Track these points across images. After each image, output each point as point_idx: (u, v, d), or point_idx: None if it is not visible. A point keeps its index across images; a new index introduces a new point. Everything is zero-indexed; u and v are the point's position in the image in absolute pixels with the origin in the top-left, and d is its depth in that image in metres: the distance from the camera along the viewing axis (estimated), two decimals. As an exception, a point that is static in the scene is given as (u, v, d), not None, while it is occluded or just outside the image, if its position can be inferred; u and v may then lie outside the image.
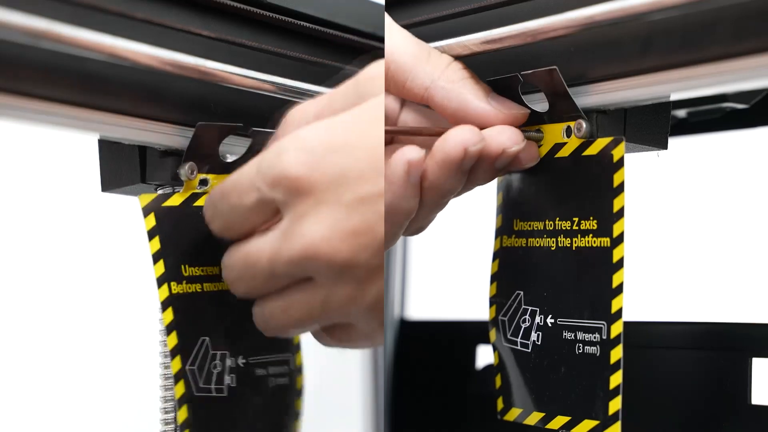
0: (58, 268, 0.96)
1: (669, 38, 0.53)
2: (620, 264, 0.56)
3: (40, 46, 0.53)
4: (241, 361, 0.62)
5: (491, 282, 0.64)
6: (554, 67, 0.57)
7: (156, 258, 0.60)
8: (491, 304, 0.64)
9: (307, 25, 0.68)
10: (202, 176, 0.63)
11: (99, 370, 0.97)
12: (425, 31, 0.63)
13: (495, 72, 0.60)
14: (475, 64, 0.61)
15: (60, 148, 0.94)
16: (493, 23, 0.60)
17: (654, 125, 0.59)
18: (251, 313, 0.60)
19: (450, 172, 0.57)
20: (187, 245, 0.62)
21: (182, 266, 0.61)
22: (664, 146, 0.60)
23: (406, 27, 0.62)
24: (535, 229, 0.61)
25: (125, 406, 0.98)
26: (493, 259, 0.64)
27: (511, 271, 0.63)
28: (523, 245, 0.62)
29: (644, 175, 0.69)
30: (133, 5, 0.59)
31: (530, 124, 0.61)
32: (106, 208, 0.91)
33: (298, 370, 0.66)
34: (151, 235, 0.61)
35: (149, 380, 0.66)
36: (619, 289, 0.56)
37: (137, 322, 0.91)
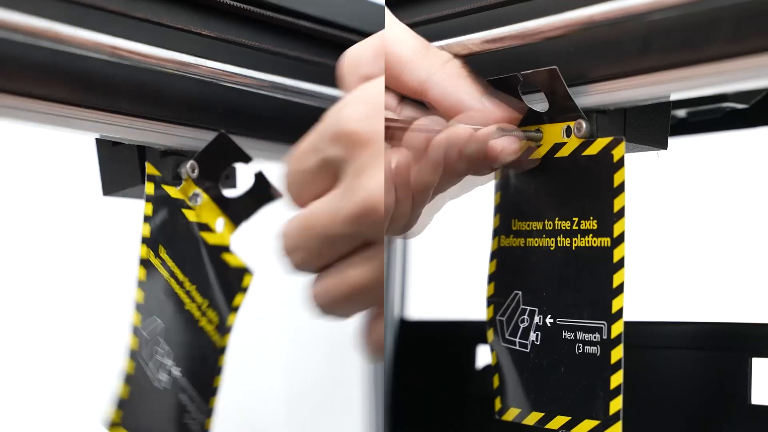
0: (58, 270, 0.96)
1: (669, 38, 0.53)
2: (621, 264, 0.56)
3: (40, 46, 0.53)
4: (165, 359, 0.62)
5: (488, 282, 0.64)
6: (554, 67, 0.57)
7: (145, 219, 0.61)
8: (489, 304, 0.64)
9: (307, 25, 0.68)
10: (197, 190, 0.63)
11: (98, 371, 0.97)
12: (425, 31, 0.63)
13: (495, 72, 0.60)
14: (475, 64, 0.61)
15: (58, 151, 0.94)
16: (493, 23, 0.60)
17: (654, 125, 0.59)
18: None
19: (443, 172, 0.57)
20: (165, 233, 0.62)
21: (160, 245, 0.61)
22: (664, 146, 0.60)
23: (407, 27, 0.62)
24: (534, 229, 0.61)
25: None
26: (491, 259, 0.64)
27: (509, 270, 0.63)
28: (522, 245, 0.62)
29: (644, 175, 0.69)
30: (133, 5, 0.59)
31: (530, 124, 0.61)
32: (105, 211, 0.91)
33: None
34: (148, 198, 0.61)
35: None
36: (620, 289, 0.56)
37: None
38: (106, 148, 0.64)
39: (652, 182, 0.91)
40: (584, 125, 0.58)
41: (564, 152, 0.59)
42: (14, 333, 0.93)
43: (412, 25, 0.62)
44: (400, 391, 0.93)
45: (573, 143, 0.59)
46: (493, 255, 0.64)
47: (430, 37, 0.61)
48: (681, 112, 0.76)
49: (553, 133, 0.60)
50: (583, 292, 0.58)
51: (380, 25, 0.71)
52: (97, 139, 0.64)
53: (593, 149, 0.58)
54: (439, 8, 0.65)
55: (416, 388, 0.92)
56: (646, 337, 0.73)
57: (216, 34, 0.63)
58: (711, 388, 0.69)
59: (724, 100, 0.72)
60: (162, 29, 0.60)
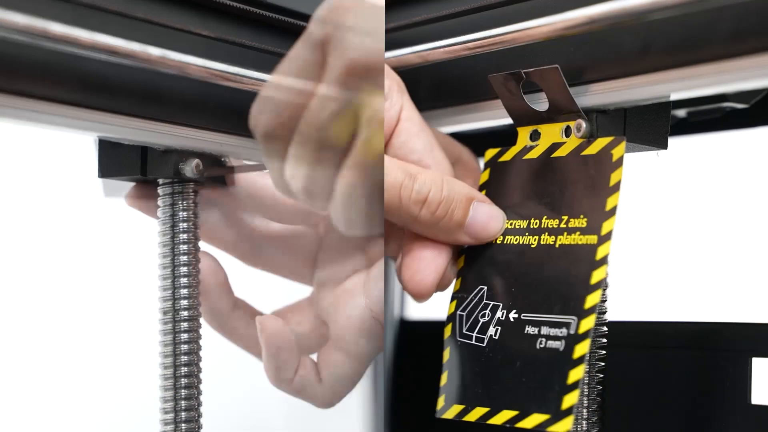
0: (58, 271, 0.96)
1: (669, 38, 0.53)
2: (603, 262, 0.55)
3: (40, 46, 0.53)
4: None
5: (456, 278, 0.64)
6: (556, 65, 0.57)
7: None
8: (452, 300, 0.64)
9: (307, 25, 0.68)
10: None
11: (98, 372, 0.97)
12: (425, 31, 0.63)
13: (495, 71, 0.60)
14: (475, 63, 0.61)
15: (58, 151, 0.94)
16: (493, 23, 0.60)
17: (654, 125, 0.59)
18: None
19: None
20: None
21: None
22: (664, 146, 0.60)
23: (406, 27, 0.62)
24: (517, 227, 0.61)
25: (125, 406, 0.98)
26: (459, 255, 0.64)
27: (478, 267, 0.62)
28: (498, 242, 0.62)
29: (644, 175, 0.69)
30: (133, 5, 0.59)
31: (530, 123, 0.61)
32: (105, 212, 0.91)
33: None
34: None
35: (149, 380, 0.66)
36: (597, 286, 0.55)
37: (137, 322, 0.91)
38: (106, 149, 0.64)
39: (652, 182, 0.91)
40: (584, 125, 0.58)
41: (561, 152, 0.59)
42: (14, 334, 0.93)
43: (412, 25, 0.63)
44: (400, 391, 0.93)
45: (572, 143, 0.59)
46: (462, 251, 0.64)
47: (431, 38, 0.61)
48: (681, 112, 0.76)
49: (551, 132, 0.60)
50: (557, 289, 0.57)
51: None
52: (96, 139, 0.64)
53: (593, 149, 0.58)
54: (439, 8, 0.65)
55: (416, 388, 0.92)
56: (646, 337, 0.72)
57: (216, 34, 0.63)
58: (711, 388, 0.69)
59: (724, 100, 0.72)
60: (162, 29, 0.60)
